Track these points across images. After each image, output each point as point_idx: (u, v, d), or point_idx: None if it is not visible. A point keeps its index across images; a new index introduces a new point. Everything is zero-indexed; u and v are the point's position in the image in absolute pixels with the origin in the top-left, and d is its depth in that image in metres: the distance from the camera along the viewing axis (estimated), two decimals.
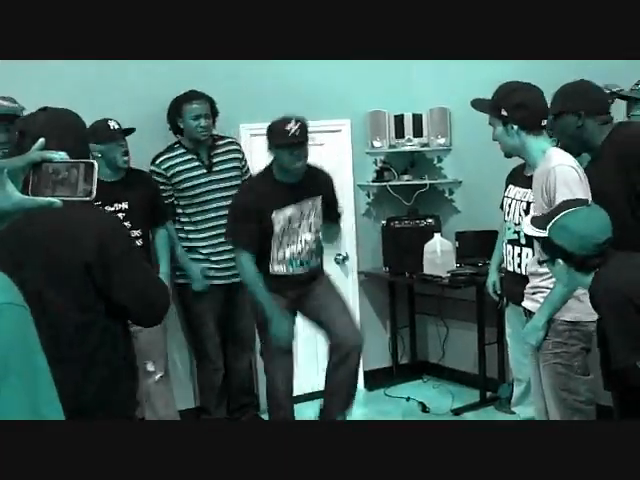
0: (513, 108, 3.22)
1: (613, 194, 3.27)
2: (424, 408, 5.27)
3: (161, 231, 4.62)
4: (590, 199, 3.17)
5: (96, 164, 1.48)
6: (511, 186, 4.06)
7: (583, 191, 3.12)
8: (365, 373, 5.80)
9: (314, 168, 4.36)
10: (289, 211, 4.19)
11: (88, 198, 1.47)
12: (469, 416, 5.15)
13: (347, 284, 5.72)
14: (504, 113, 3.24)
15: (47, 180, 1.47)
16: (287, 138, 4.04)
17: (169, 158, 4.71)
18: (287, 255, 4.24)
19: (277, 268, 4.25)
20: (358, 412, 5.36)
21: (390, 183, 5.70)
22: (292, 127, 4.05)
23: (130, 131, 4.36)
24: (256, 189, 4.27)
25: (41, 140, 1.53)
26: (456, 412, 5.20)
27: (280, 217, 4.17)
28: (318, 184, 4.32)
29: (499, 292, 4.47)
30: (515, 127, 3.22)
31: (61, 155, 1.47)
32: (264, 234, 4.18)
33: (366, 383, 5.80)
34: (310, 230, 4.27)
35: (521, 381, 4.35)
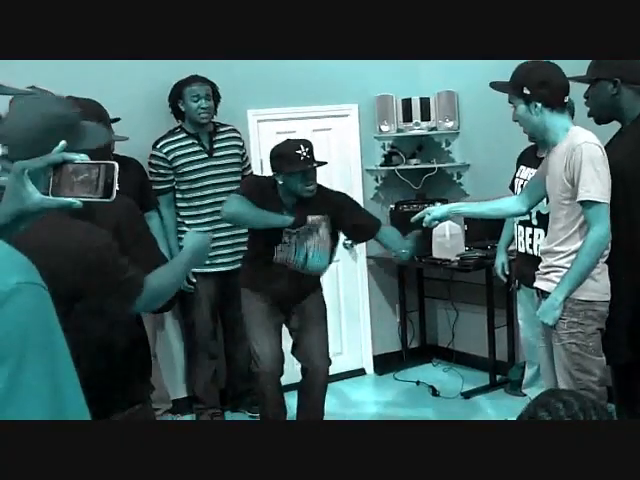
0: (536, 86, 3.17)
1: (632, 172, 3.25)
2: (434, 392, 5.28)
3: (154, 218, 4.64)
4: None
5: (117, 165, 1.49)
6: (523, 167, 4.05)
7: (606, 170, 3.11)
8: (375, 357, 5.82)
9: (324, 190, 4.14)
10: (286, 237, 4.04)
11: (108, 199, 1.48)
12: (479, 399, 5.16)
13: (356, 268, 5.73)
14: (526, 91, 3.19)
15: (67, 181, 1.48)
16: (300, 164, 3.86)
17: (170, 142, 4.71)
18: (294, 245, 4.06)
19: (281, 255, 4.06)
20: (368, 397, 5.38)
21: (398, 167, 5.70)
22: (302, 151, 3.87)
23: (114, 120, 4.37)
24: (261, 198, 3.99)
25: (62, 142, 1.55)
26: (466, 395, 5.20)
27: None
28: (325, 204, 4.08)
29: (507, 273, 4.46)
30: (539, 105, 3.18)
31: (82, 156, 1.49)
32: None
33: (376, 368, 5.82)
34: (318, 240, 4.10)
35: (533, 363, 4.35)
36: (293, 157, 3.87)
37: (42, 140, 2.09)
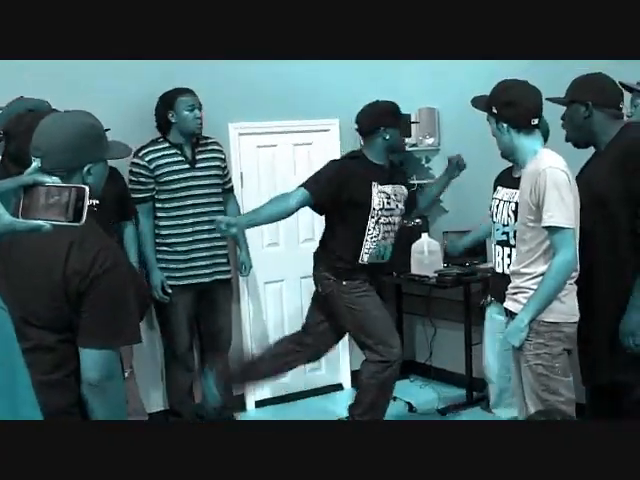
0: (502, 106, 3.24)
1: (607, 195, 3.27)
2: (410, 408, 5.28)
3: (130, 226, 4.64)
4: (578, 201, 3.19)
5: (87, 189, 1.48)
6: (499, 187, 4.08)
7: (572, 194, 3.13)
8: (352, 372, 5.81)
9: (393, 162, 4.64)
10: (388, 189, 4.37)
11: (77, 223, 1.47)
12: (455, 416, 5.16)
13: None
14: (494, 110, 3.26)
15: (38, 203, 1.47)
16: (409, 127, 4.39)
17: (153, 151, 4.70)
18: (380, 237, 4.34)
19: (366, 258, 4.35)
20: (345, 412, 5.36)
21: None
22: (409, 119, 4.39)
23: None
24: (350, 163, 4.41)
25: (35, 164, 1.55)
26: (442, 412, 5.21)
27: (378, 190, 4.32)
28: (403, 175, 4.65)
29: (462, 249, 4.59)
30: (504, 125, 3.24)
31: (54, 179, 1.48)
32: (359, 210, 4.29)
33: (353, 382, 5.81)
34: (399, 215, 4.46)
35: (493, 382, 4.35)
36: (400, 114, 4.45)
37: (77, 149, 2.14)
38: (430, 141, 5.68)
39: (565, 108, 3.46)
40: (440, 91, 5.52)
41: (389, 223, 4.37)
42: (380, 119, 4.37)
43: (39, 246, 2.15)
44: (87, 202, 1.47)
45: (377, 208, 4.30)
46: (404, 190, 4.50)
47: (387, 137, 4.34)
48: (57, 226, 1.46)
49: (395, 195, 4.39)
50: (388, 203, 4.34)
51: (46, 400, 1.34)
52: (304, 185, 4.23)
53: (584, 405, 3.60)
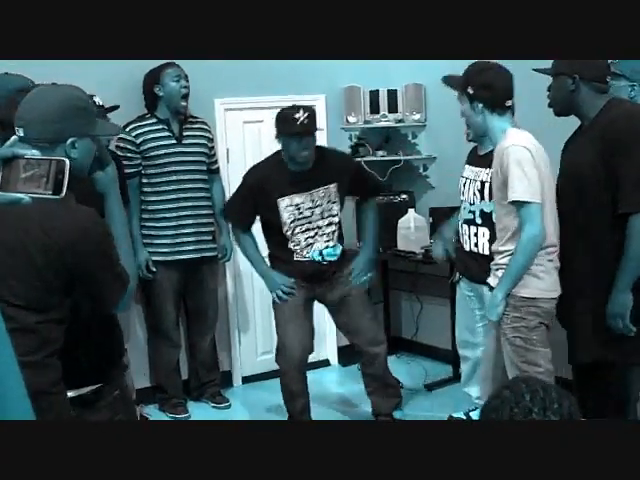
0: (479, 87, 3.34)
1: (586, 177, 3.27)
2: (397, 384, 5.29)
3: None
4: (546, 176, 3.22)
5: (67, 162, 1.48)
6: (467, 166, 4.09)
7: (536, 170, 3.17)
8: (339, 349, 5.84)
9: (332, 154, 4.39)
10: (298, 199, 4.17)
11: (57, 196, 1.47)
12: (441, 391, 5.19)
13: None
14: (470, 91, 3.34)
15: (17, 176, 1.47)
16: (295, 127, 4.01)
17: (140, 126, 4.72)
18: (303, 244, 4.23)
19: (298, 258, 4.25)
20: (332, 388, 5.40)
21: (365, 159, 5.70)
22: (301, 116, 4.02)
23: (114, 108, 4.36)
24: (263, 171, 4.24)
25: (14, 137, 1.54)
26: (429, 388, 5.24)
27: (287, 204, 4.16)
28: (332, 171, 4.24)
29: (450, 254, 4.30)
30: (480, 106, 3.33)
31: (33, 152, 1.48)
32: (273, 223, 4.20)
33: (340, 359, 5.83)
34: (323, 217, 4.24)
35: (467, 358, 4.36)
36: (290, 120, 4.03)
37: (59, 120, 2.13)
38: (416, 117, 5.68)
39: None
40: (427, 67, 5.49)
41: (310, 229, 4.23)
42: (275, 125, 4.17)
43: (20, 225, 2.11)
44: (67, 175, 1.46)
45: (288, 222, 4.18)
46: (330, 189, 4.23)
47: (282, 145, 4.15)
48: (37, 199, 1.45)
49: (312, 201, 4.19)
50: (300, 213, 4.18)
51: (25, 381, 1.33)
52: (231, 220, 4.45)
53: (570, 382, 3.62)
